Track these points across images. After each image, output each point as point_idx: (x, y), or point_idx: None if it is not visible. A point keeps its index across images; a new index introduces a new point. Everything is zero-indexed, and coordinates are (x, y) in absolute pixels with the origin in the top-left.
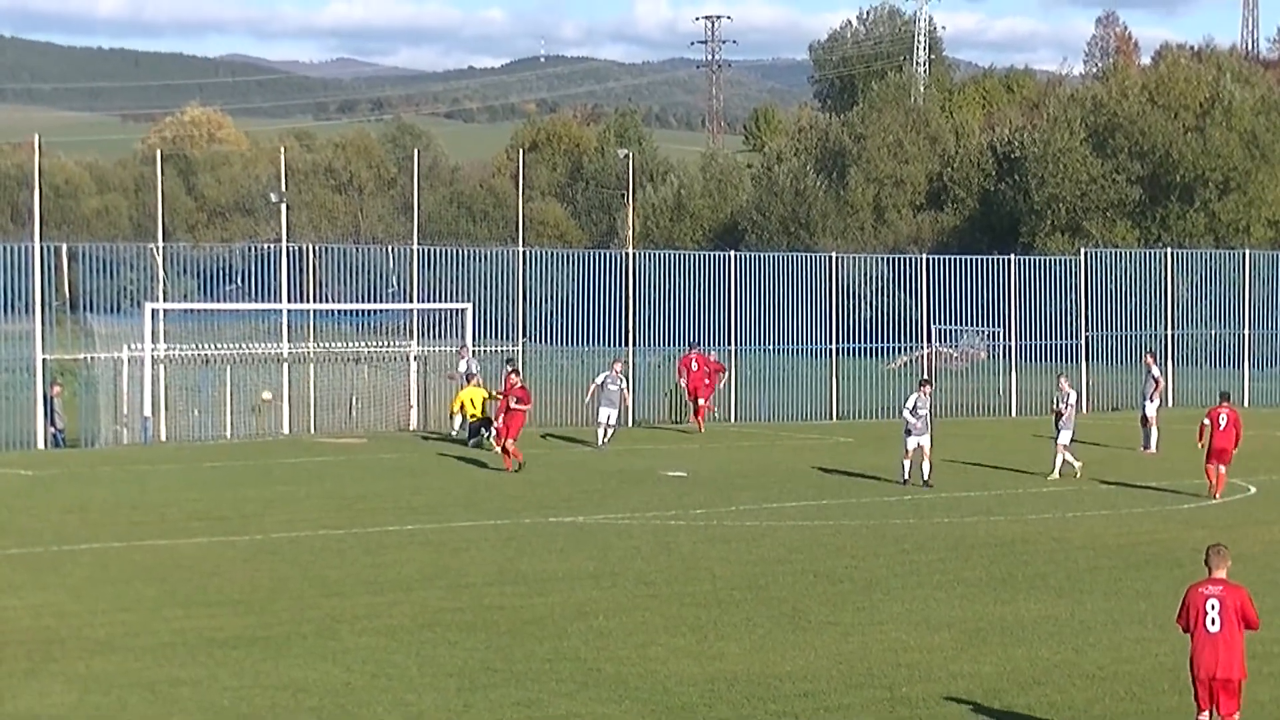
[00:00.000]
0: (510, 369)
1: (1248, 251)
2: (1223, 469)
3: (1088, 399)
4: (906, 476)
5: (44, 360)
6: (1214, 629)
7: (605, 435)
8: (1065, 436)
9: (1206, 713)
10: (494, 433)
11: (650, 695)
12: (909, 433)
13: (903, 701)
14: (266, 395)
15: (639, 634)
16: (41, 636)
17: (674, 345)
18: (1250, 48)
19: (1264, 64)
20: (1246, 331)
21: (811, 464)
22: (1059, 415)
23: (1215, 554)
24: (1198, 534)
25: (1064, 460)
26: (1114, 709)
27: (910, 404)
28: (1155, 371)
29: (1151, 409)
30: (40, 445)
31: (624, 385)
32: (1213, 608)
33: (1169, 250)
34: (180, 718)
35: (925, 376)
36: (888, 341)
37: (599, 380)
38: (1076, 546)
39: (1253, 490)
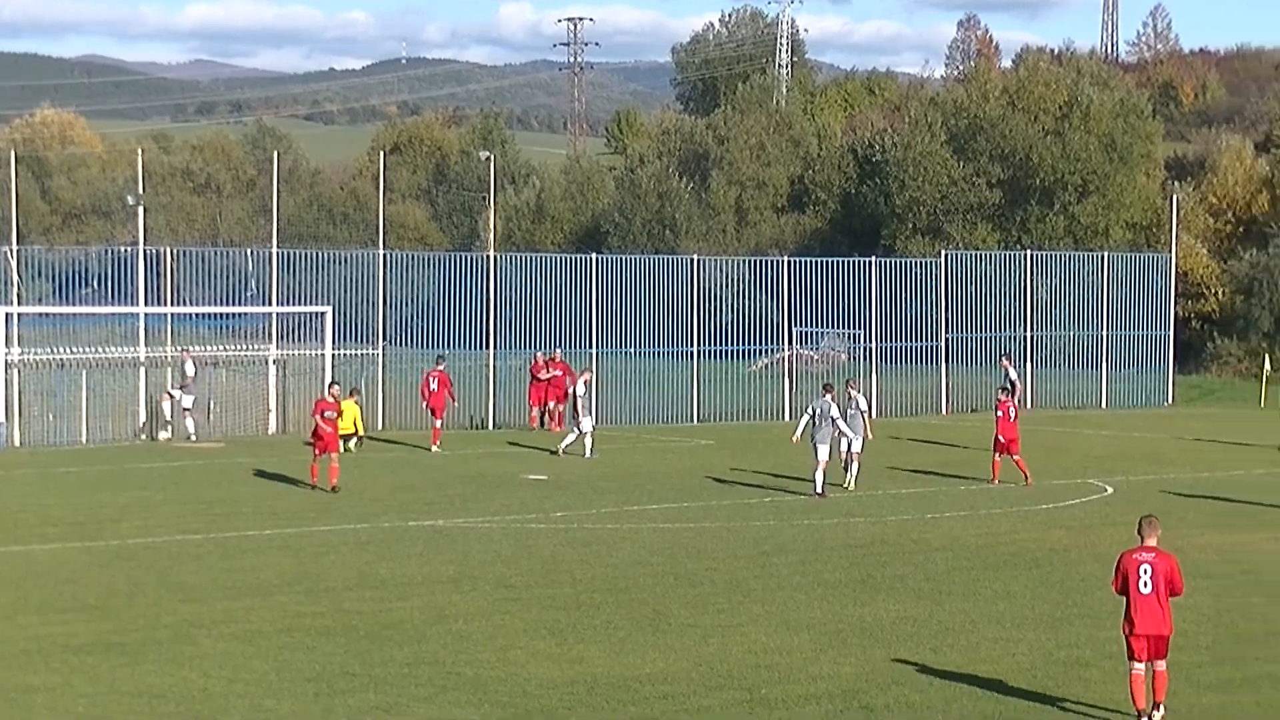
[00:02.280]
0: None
1: (1105, 253)
2: (1016, 458)
3: (947, 400)
4: (820, 490)
5: None
6: (1146, 590)
7: (588, 445)
8: (857, 444)
9: (1143, 664)
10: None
11: (510, 699)
12: (818, 442)
13: (762, 703)
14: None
15: (499, 638)
16: None
17: (535, 348)
18: (1110, 51)
19: (1123, 67)
20: (1105, 333)
21: (673, 466)
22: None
23: (1148, 524)
24: (1055, 534)
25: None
26: (971, 709)
27: (812, 411)
28: (1013, 375)
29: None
30: None
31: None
32: (1145, 572)
33: (1028, 253)
34: None
35: (827, 381)
36: (749, 344)
37: (576, 391)
38: (935, 548)
39: (1109, 490)
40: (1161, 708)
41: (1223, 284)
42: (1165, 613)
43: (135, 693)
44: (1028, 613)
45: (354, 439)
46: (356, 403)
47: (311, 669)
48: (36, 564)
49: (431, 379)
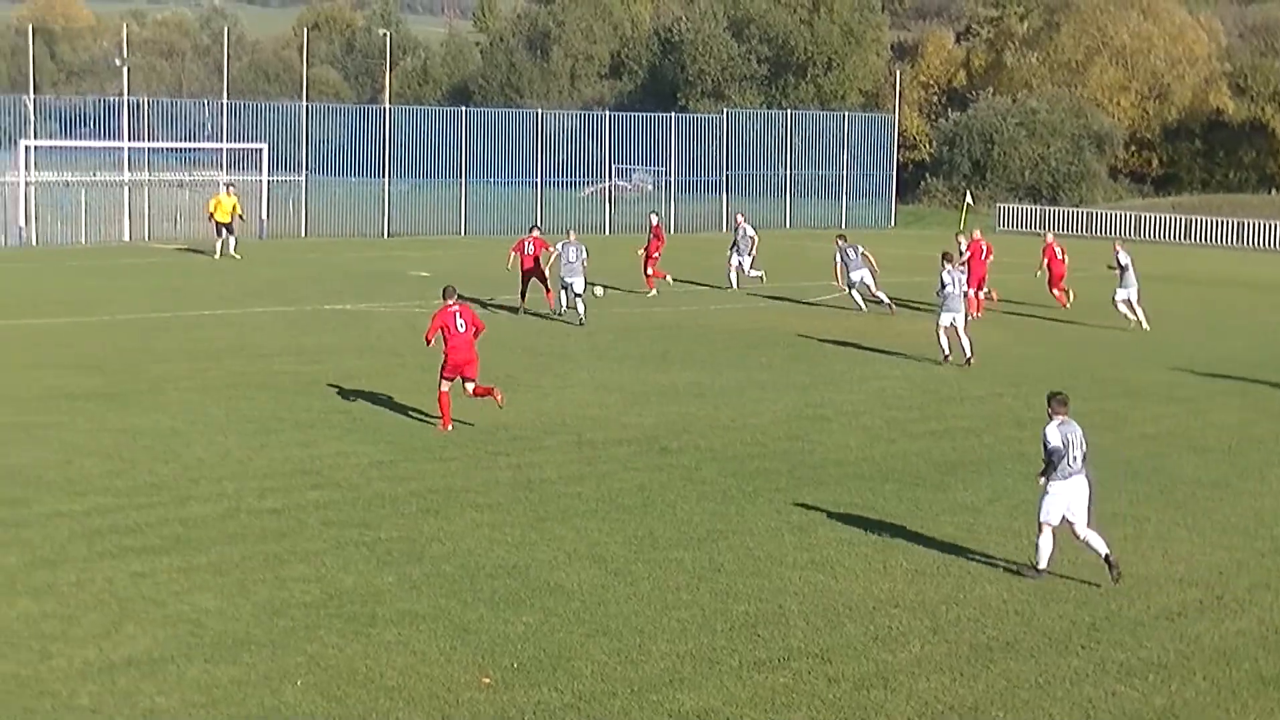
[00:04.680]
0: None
1: (844, 114)
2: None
3: (726, 221)
4: (946, 353)
5: None
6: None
7: (580, 307)
8: (746, 262)
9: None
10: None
11: (398, 438)
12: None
13: (587, 444)
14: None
15: (391, 393)
16: None
17: (423, 178)
18: None
19: None
20: (844, 173)
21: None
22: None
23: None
24: (806, 322)
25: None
26: (742, 452)
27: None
28: (750, 232)
29: (744, 260)
30: None
31: (583, 252)
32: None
33: (789, 111)
34: (46, 451)
35: (946, 250)
36: (579, 177)
37: (558, 250)
38: (716, 331)
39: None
40: None
41: (931, 139)
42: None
43: (121, 430)
44: (783, 380)
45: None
46: (232, 193)
47: (251, 414)
48: (47, 333)
49: (527, 243)
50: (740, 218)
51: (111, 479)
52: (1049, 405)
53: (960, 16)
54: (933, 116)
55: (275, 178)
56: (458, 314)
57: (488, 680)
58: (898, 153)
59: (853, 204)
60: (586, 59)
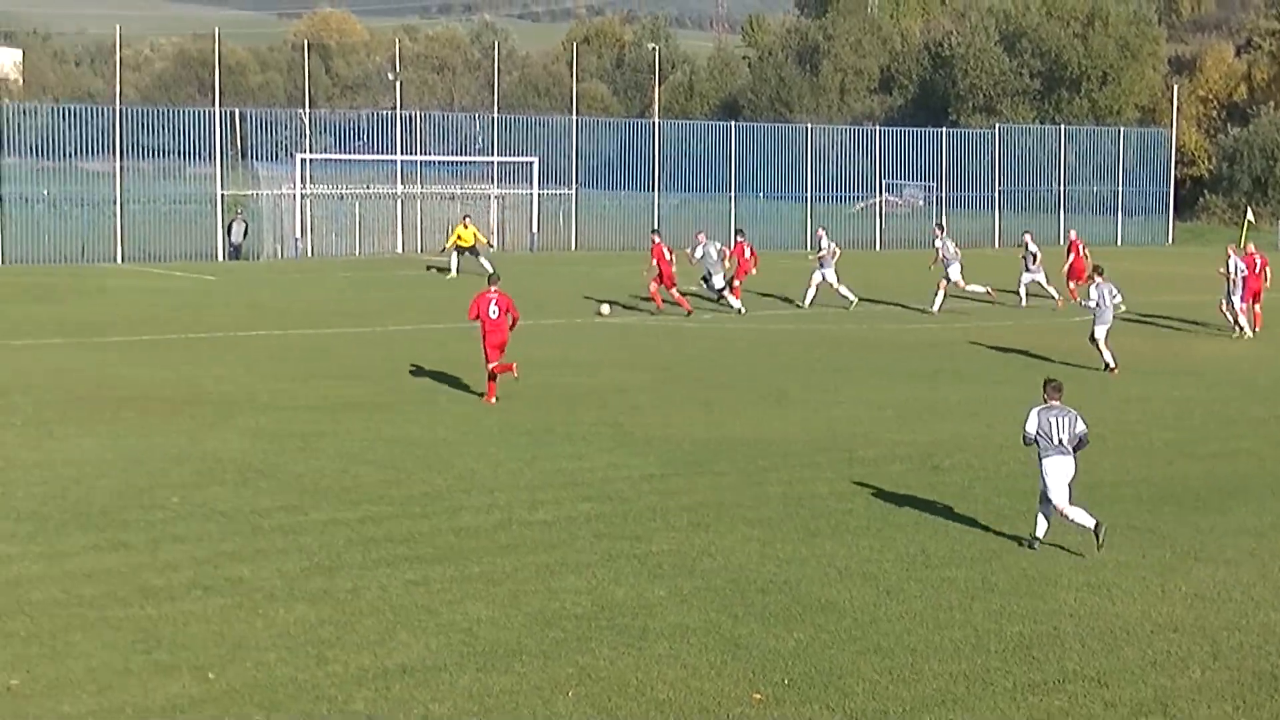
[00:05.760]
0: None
1: (1119, 129)
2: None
3: (998, 237)
4: (1110, 364)
5: (221, 195)
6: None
7: (736, 300)
8: (1040, 277)
9: None
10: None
11: (670, 452)
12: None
13: (858, 461)
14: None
15: (662, 407)
16: (223, 399)
17: (690, 192)
18: None
19: None
20: (1120, 189)
21: (797, 280)
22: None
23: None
24: (1066, 340)
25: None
26: (1016, 470)
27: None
28: (938, 243)
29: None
30: (220, 258)
31: (716, 247)
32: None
33: (1061, 127)
34: (323, 460)
35: (1097, 264)
36: (849, 192)
37: (694, 254)
38: (987, 349)
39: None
40: None
41: (1210, 154)
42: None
43: (394, 439)
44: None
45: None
46: (469, 224)
47: (524, 426)
48: (322, 343)
49: (745, 248)
50: (1027, 236)
51: (386, 488)
52: (1044, 390)
53: (1241, 29)
54: (1212, 132)
55: (545, 191)
56: (494, 300)
57: (759, 696)
58: (1175, 169)
59: (1127, 221)
60: (856, 73)
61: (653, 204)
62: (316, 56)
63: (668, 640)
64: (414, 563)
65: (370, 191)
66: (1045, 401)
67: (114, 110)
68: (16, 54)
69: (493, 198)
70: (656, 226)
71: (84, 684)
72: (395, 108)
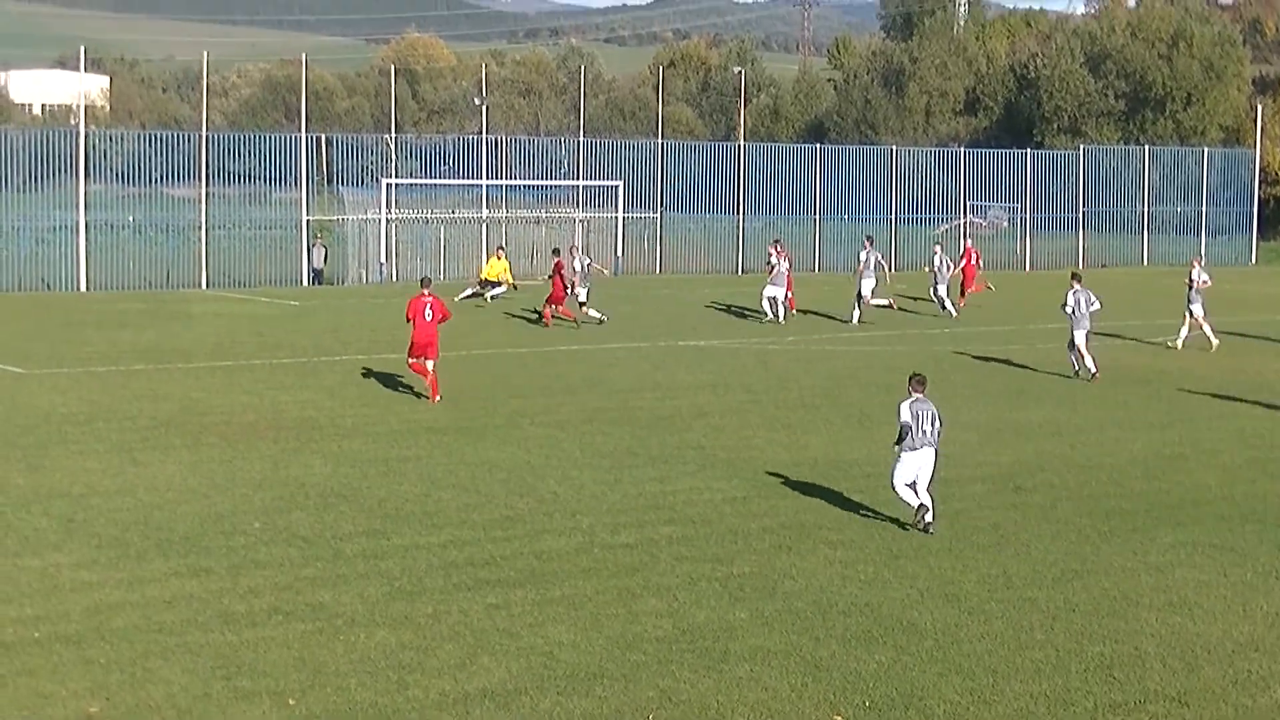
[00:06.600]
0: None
1: (1204, 149)
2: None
3: (1082, 257)
4: (1092, 370)
5: (307, 221)
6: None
7: (778, 311)
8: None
9: None
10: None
11: (752, 474)
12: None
13: (940, 481)
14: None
15: (744, 429)
16: (306, 424)
17: (775, 214)
18: None
19: (1220, 6)
20: (1204, 209)
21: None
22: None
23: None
24: (1144, 359)
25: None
26: (1098, 491)
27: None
28: (864, 254)
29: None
30: (304, 283)
31: (785, 264)
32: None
33: (1146, 147)
34: (405, 484)
35: (1074, 270)
36: (934, 213)
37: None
38: (1069, 368)
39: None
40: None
41: None
42: None
43: (477, 463)
44: (1140, 419)
45: (501, 288)
46: (500, 258)
47: (606, 449)
48: (404, 367)
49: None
50: (1197, 262)
51: (468, 512)
52: (909, 384)
53: None
54: None
55: (631, 214)
56: (429, 304)
57: (840, 718)
58: (1259, 189)
59: (1211, 240)
60: (941, 95)
61: (738, 227)
62: (403, 81)
63: (749, 663)
64: (495, 586)
65: (455, 216)
66: (910, 395)
67: (200, 136)
68: (104, 80)
69: (578, 221)
70: (562, 246)
71: (164, 710)
72: (481, 132)
